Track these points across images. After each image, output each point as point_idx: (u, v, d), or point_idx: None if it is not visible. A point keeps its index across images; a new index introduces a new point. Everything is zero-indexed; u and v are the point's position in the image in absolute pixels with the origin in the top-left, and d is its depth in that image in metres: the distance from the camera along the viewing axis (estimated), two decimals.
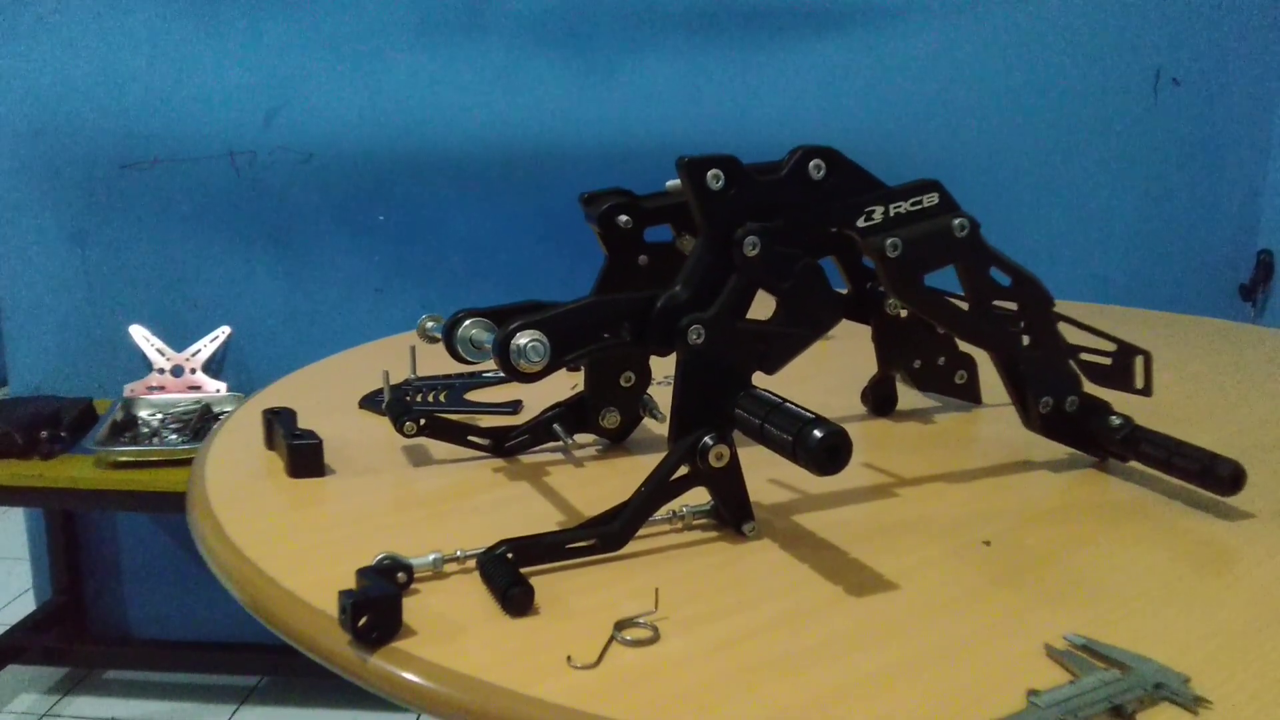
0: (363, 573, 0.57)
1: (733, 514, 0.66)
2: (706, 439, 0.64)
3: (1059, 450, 0.80)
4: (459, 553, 0.61)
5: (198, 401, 1.90)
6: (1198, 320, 1.33)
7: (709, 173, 0.65)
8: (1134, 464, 0.76)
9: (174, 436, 1.78)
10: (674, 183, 0.69)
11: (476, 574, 0.60)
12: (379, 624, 0.54)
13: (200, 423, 1.82)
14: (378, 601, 0.54)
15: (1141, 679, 0.49)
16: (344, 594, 0.54)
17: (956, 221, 0.70)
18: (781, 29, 1.88)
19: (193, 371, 1.97)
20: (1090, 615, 0.56)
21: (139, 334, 1.98)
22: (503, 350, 0.62)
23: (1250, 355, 1.15)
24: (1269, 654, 0.52)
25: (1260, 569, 0.62)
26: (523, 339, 0.62)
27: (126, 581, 2.13)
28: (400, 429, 0.79)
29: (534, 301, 0.74)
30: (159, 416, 1.86)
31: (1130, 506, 0.71)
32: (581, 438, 0.83)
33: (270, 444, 0.83)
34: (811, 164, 0.67)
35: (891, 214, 0.69)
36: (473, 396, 0.98)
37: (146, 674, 2.10)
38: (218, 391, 1.95)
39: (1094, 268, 1.92)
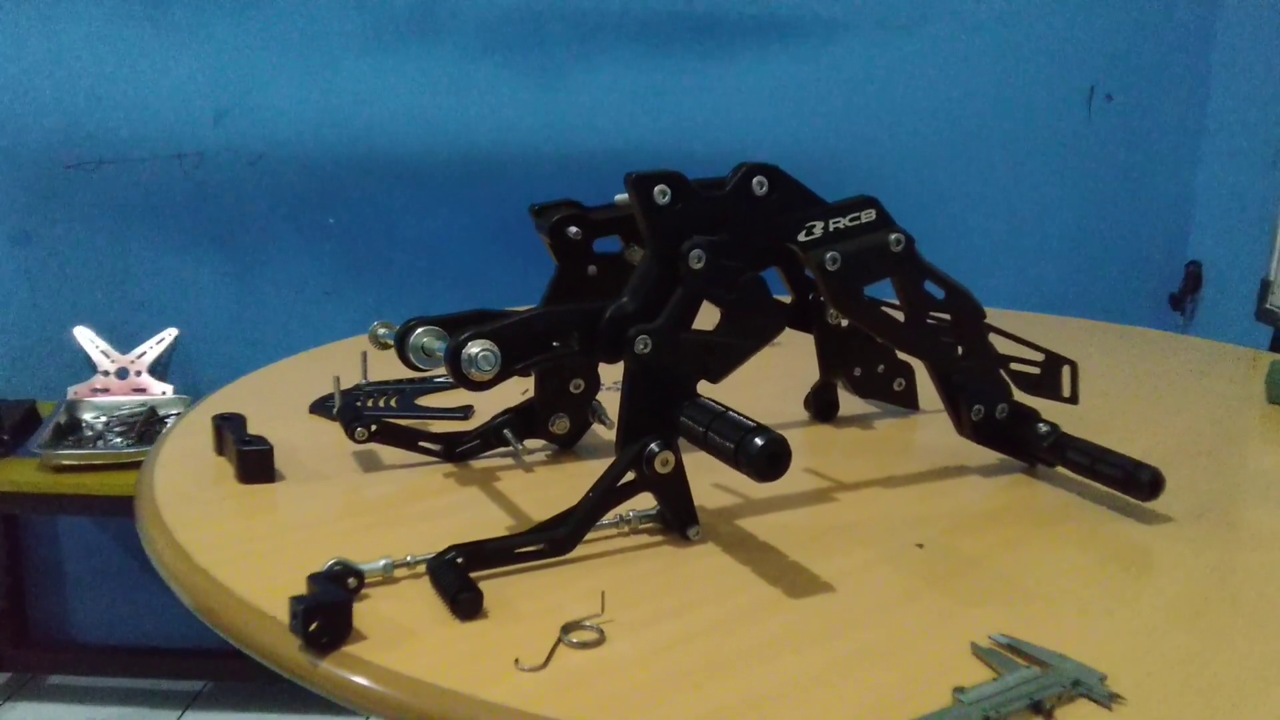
0: (313, 578, 0.58)
1: (678, 519, 0.68)
2: (652, 446, 0.66)
3: (990, 456, 0.83)
4: (409, 558, 0.62)
5: (143, 404, 1.88)
6: (1128, 329, 1.37)
7: (655, 188, 0.67)
8: (1061, 469, 0.79)
9: (119, 440, 1.76)
10: (622, 196, 0.70)
11: (426, 579, 0.61)
12: (329, 629, 0.55)
13: (146, 426, 1.80)
14: (328, 607, 0.55)
15: (1061, 677, 0.51)
16: (295, 599, 0.55)
17: (893, 237, 0.73)
18: (731, 41, 1.91)
19: (138, 374, 1.95)
20: (1016, 615, 0.59)
21: (84, 335, 1.96)
22: (454, 359, 0.63)
23: (1176, 364, 1.20)
24: (1180, 652, 0.55)
25: (1176, 570, 0.65)
26: (474, 348, 0.63)
27: (70, 586, 2.11)
28: (351, 435, 0.80)
29: (484, 310, 0.76)
30: (104, 419, 1.84)
31: (1056, 511, 0.74)
32: (531, 443, 0.85)
33: (220, 450, 0.84)
34: (755, 180, 0.69)
35: (831, 229, 0.71)
36: (424, 402, 1.00)
37: (90, 679, 2.08)
38: (164, 394, 1.93)
39: (1030, 277, 1.97)
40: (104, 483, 1.68)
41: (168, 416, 1.86)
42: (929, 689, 0.51)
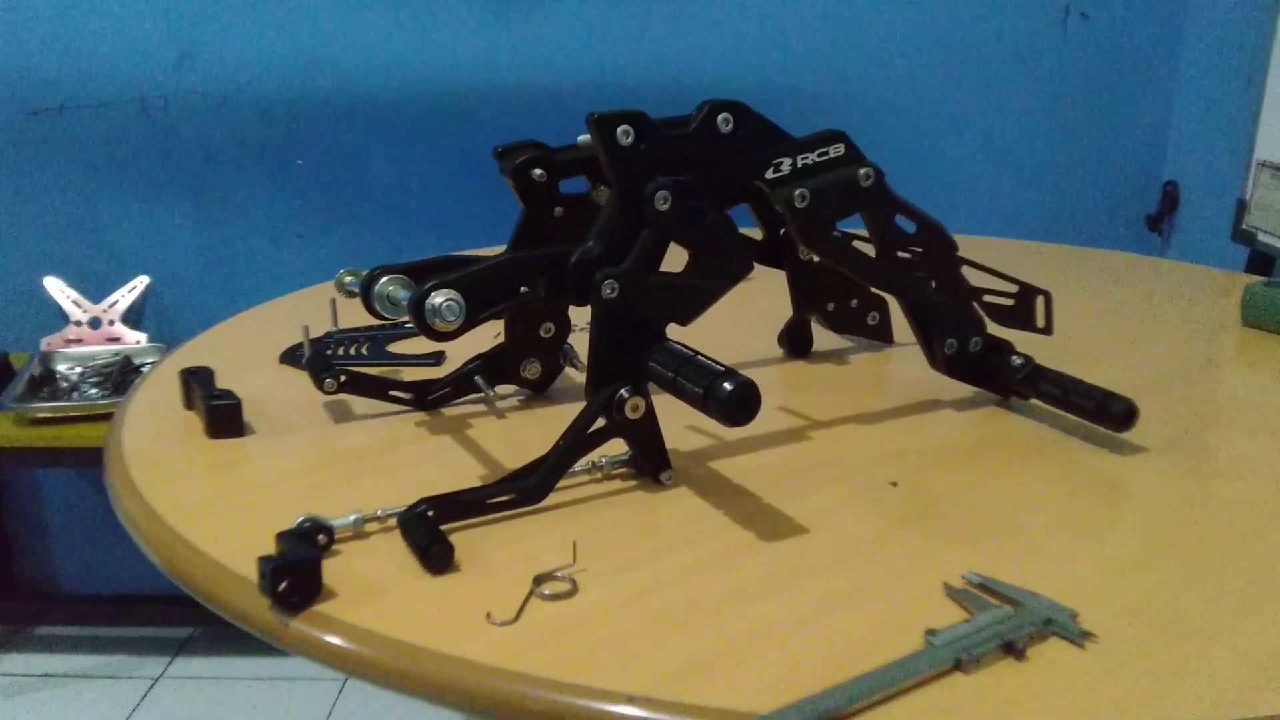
0: (282, 536, 0.58)
1: (650, 464, 0.68)
2: (622, 392, 0.65)
3: (965, 389, 0.82)
4: (380, 512, 0.62)
5: (118, 354, 1.86)
6: (1103, 254, 1.37)
7: (618, 128, 0.65)
8: (1035, 402, 0.79)
9: (94, 391, 1.75)
10: (585, 138, 0.69)
11: (398, 533, 0.61)
12: (299, 588, 0.54)
13: (121, 375, 1.79)
14: (297, 566, 0.54)
15: (1032, 615, 0.51)
16: (263, 559, 0.54)
17: (862, 171, 0.71)
18: None
19: (111, 323, 1.93)
20: (989, 553, 0.59)
21: (54, 286, 1.93)
22: (418, 310, 0.62)
23: (1153, 289, 1.19)
24: (1152, 587, 0.55)
25: (1149, 502, 0.65)
26: (438, 298, 0.62)
27: (53, 537, 2.11)
28: (320, 386, 0.79)
29: (451, 256, 0.74)
30: (78, 370, 1.82)
31: (1030, 444, 0.74)
32: (503, 389, 0.84)
33: (189, 404, 0.83)
34: (720, 117, 0.67)
35: (799, 165, 0.70)
36: (395, 348, 0.98)
37: (78, 629, 2.09)
38: (138, 343, 1.91)
39: (1007, 201, 1.95)
40: (81, 435, 1.67)
41: (143, 365, 1.84)
42: (901, 631, 0.51)
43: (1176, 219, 1.84)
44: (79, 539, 2.11)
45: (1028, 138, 1.93)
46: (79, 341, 1.91)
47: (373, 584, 0.56)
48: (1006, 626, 0.50)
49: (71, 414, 1.68)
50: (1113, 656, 0.49)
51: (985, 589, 0.55)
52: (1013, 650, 0.49)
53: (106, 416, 1.67)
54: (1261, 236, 1.26)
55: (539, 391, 0.85)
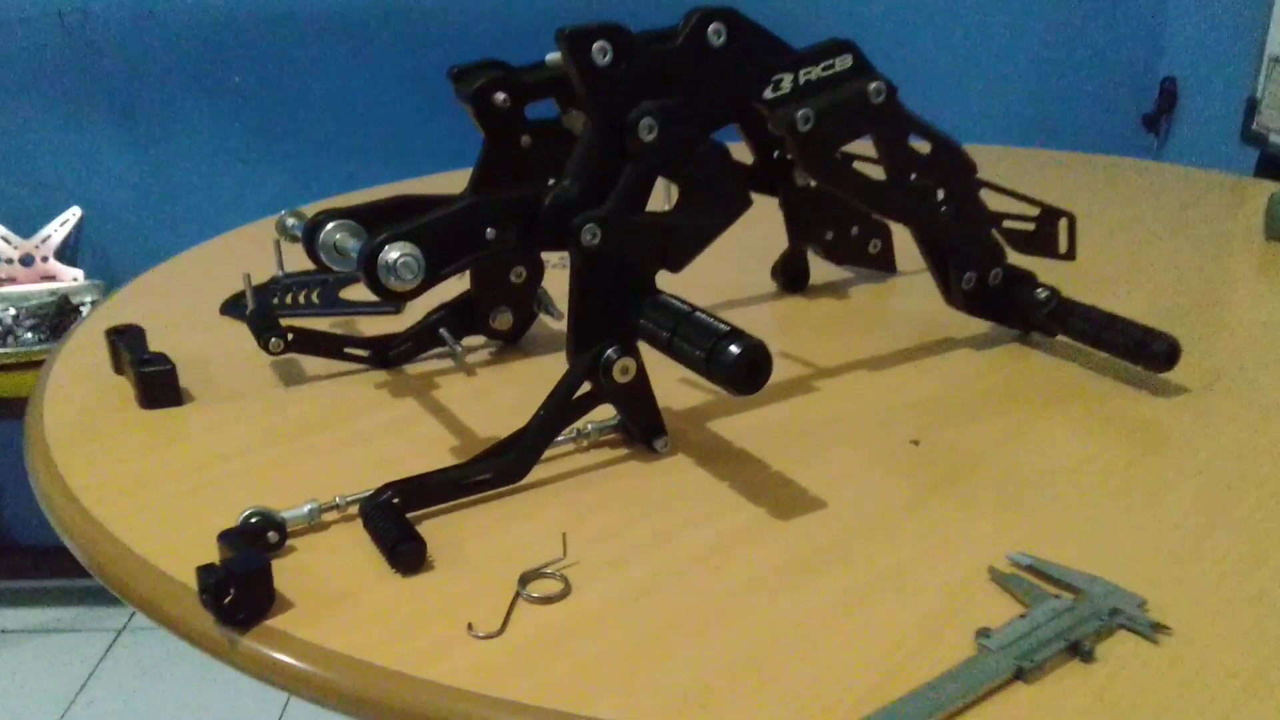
0: (226, 537, 0.50)
1: (642, 430, 0.60)
2: (609, 352, 0.57)
3: (979, 323, 0.75)
4: (339, 499, 0.54)
5: (54, 293, 1.75)
6: (1103, 160, 1.28)
7: (595, 45, 0.56)
8: (1059, 337, 0.72)
9: (30, 335, 1.64)
10: (554, 56, 0.59)
11: (360, 522, 0.53)
12: (247, 601, 0.47)
13: (58, 316, 1.68)
14: (243, 576, 0.47)
15: (1096, 606, 0.45)
16: (203, 570, 0.47)
17: (873, 86, 0.62)
18: None
19: (44, 260, 1.81)
20: (1032, 524, 0.52)
21: None
22: (369, 267, 0.53)
23: (1164, 199, 1.11)
24: (1222, 559, 0.49)
25: (1199, 454, 0.59)
26: (392, 253, 0.53)
27: (3, 488, 2.01)
28: (265, 346, 0.71)
29: (406, 196, 0.65)
30: (12, 313, 1.71)
31: (1060, 387, 0.67)
32: (471, 341, 0.76)
33: (118, 368, 0.74)
34: (710, 29, 0.58)
35: (801, 81, 0.61)
36: (349, 294, 0.89)
37: (37, 582, 2.01)
38: (74, 280, 1.80)
39: (994, 100, 1.86)
40: (18, 383, 1.57)
41: (80, 305, 1.73)
42: (947, 630, 0.44)
43: (1175, 117, 1.75)
44: (29, 489, 2.01)
45: (1022, 36, 1.82)
46: (11, 281, 1.79)
47: (333, 590, 0.49)
48: (1069, 621, 0.44)
49: (6, 361, 1.58)
50: (1193, 653, 0.42)
51: (1035, 572, 0.48)
52: (1079, 651, 0.42)
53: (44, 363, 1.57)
54: (1274, 138, 1.18)
55: (511, 343, 0.77)
